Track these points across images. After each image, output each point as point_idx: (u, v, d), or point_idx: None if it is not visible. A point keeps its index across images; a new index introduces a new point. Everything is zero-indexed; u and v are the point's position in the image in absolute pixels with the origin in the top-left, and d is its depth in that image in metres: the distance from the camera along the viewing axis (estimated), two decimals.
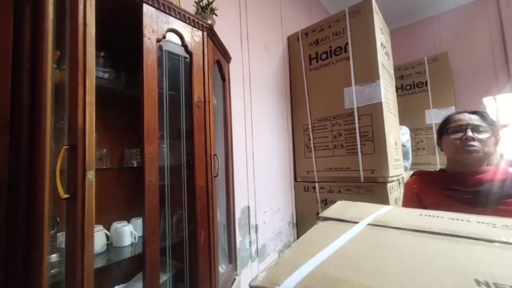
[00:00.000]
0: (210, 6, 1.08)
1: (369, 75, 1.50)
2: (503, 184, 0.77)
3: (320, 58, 1.74)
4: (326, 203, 1.65)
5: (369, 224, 0.39)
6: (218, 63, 1.08)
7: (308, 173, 1.76)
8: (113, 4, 0.71)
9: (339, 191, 1.60)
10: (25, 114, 0.55)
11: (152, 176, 0.72)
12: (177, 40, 0.85)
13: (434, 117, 2.34)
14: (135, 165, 0.98)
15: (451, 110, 2.25)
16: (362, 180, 1.50)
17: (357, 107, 1.54)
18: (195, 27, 0.89)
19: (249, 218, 1.42)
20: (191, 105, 0.87)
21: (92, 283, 0.54)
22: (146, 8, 0.74)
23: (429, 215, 0.42)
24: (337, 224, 0.40)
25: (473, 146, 0.80)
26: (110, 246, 0.87)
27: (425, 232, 0.34)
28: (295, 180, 1.85)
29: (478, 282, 0.23)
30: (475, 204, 0.77)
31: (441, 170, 0.95)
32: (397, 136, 1.72)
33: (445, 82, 2.36)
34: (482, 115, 0.84)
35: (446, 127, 0.88)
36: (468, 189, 0.81)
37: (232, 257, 1.13)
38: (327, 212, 0.45)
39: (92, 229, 0.55)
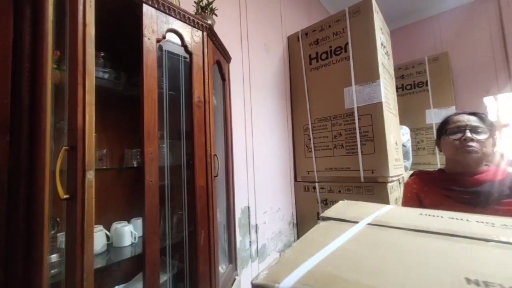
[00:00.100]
0: (210, 6, 1.08)
1: (369, 75, 1.50)
2: (501, 184, 0.78)
3: (320, 58, 1.74)
4: (326, 203, 1.65)
5: (369, 224, 0.39)
6: (218, 63, 1.08)
7: (308, 173, 1.76)
8: (113, 4, 0.72)
9: (339, 191, 1.60)
10: (25, 114, 0.55)
11: (152, 176, 0.72)
12: (177, 40, 0.85)
13: (434, 117, 2.34)
14: (135, 165, 0.98)
15: (452, 110, 2.25)
16: (362, 180, 1.50)
17: (357, 107, 1.54)
18: (195, 27, 0.89)
19: (249, 218, 1.42)
20: (191, 105, 0.87)
21: (92, 283, 0.54)
22: (146, 8, 0.74)
23: (429, 215, 0.42)
24: (338, 223, 0.40)
25: (471, 146, 0.80)
26: (110, 246, 0.87)
27: (425, 231, 0.35)
28: (295, 180, 1.85)
29: (468, 280, 0.23)
30: (474, 204, 0.78)
31: (440, 170, 0.96)
32: (397, 136, 1.72)
33: (446, 82, 2.36)
34: (480, 116, 0.85)
35: (445, 128, 0.89)
36: (466, 189, 0.81)
37: (232, 257, 1.13)
38: (328, 212, 0.45)
39: (92, 229, 0.55)
